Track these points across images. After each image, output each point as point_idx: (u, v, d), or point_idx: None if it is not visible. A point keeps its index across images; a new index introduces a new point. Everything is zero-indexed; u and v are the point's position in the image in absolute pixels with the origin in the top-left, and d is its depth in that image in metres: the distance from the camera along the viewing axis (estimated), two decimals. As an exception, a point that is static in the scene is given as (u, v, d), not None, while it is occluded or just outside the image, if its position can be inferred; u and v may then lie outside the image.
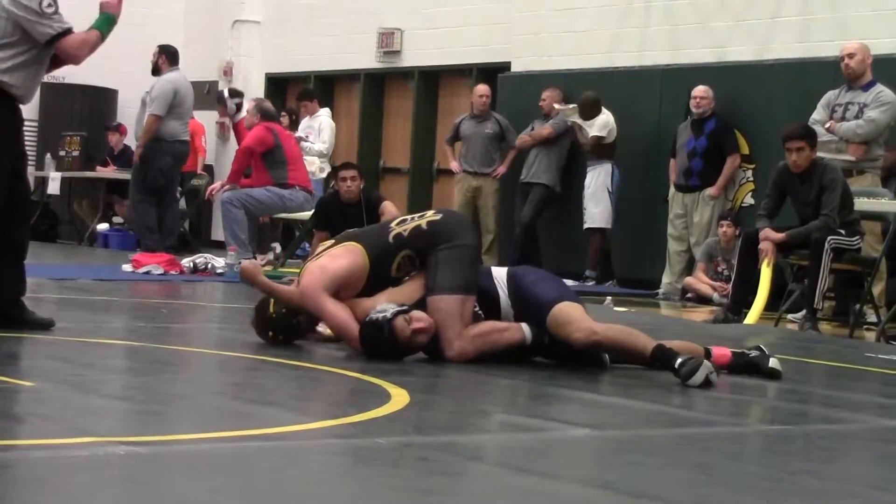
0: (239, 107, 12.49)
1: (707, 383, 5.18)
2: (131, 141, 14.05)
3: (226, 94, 12.84)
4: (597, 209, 11.89)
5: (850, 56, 9.38)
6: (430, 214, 5.74)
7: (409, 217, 5.78)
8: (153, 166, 11.95)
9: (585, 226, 11.99)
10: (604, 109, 11.91)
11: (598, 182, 11.92)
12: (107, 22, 6.19)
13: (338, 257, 5.65)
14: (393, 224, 5.75)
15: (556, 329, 5.43)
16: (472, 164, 12.87)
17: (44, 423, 3.81)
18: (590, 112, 11.94)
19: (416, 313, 5.38)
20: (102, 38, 6.14)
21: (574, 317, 5.43)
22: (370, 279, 5.63)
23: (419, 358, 5.52)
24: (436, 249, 5.57)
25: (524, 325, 5.48)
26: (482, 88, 12.90)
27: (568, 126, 12.34)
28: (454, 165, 13.04)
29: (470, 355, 5.42)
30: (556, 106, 12.24)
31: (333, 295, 5.59)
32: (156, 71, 12.13)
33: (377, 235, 5.75)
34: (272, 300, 5.71)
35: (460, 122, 13.01)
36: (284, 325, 5.70)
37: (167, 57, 12.07)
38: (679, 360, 5.27)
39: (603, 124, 11.88)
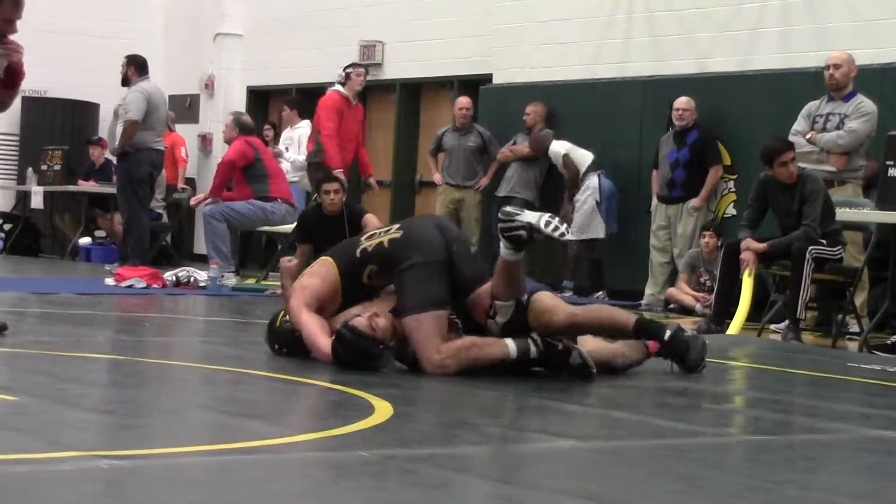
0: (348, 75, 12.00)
1: (582, 369, 5.32)
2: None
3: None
4: (591, 223, 11.89)
5: (836, 67, 9.41)
6: (393, 230, 5.66)
7: (377, 231, 5.76)
8: (133, 178, 11.91)
9: (575, 237, 11.98)
10: (553, 143, 11.94)
11: (586, 196, 11.91)
12: None
13: (313, 274, 5.70)
14: (362, 238, 5.76)
15: (537, 317, 5.47)
16: (455, 177, 12.88)
17: (26, 437, 3.79)
18: (542, 151, 12.04)
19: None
20: None
21: (551, 304, 5.53)
22: (344, 292, 5.63)
23: (402, 370, 5.51)
24: (399, 270, 5.52)
25: (508, 341, 5.45)
26: (464, 101, 12.92)
27: (549, 143, 12.35)
28: (437, 177, 13.06)
29: (451, 369, 5.39)
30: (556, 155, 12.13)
31: (318, 310, 5.59)
32: (125, 82, 12.10)
33: (347, 249, 5.77)
34: (281, 313, 5.72)
35: (443, 134, 13.03)
36: (289, 339, 5.68)
37: (135, 67, 12.05)
38: (668, 332, 5.64)
39: (556, 156, 11.91)
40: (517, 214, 5.30)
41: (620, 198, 11.90)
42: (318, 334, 5.51)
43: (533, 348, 5.43)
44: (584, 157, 11.84)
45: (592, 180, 11.83)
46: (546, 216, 5.30)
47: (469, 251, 5.82)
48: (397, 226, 5.74)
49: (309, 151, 12.07)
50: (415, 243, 5.55)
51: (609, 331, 5.66)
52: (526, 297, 5.52)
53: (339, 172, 11.38)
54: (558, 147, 11.94)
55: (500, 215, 5.38)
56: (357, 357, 5.38)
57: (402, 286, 5.52)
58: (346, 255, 5.69)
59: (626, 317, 5.60)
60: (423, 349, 5.40)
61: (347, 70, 11.82)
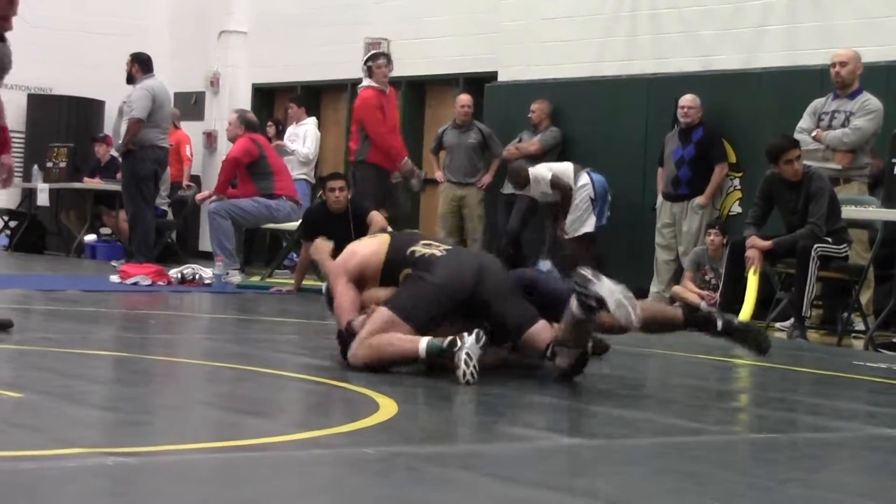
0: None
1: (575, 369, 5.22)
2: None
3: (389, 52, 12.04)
4: (586, 219, 11.89)
5: (842, 64, 9.41)
6: (443, 248, 5.65)
7: (435, 242, 5.71)
8: (138, 175, 11.92)
9: (569, 235, 11.99)
10: (531, 170, 11.85)
11: (580, 197, 11.92)
12: None
13: (368, 245, 5.76)
14: (422, 241, 5.71)
15: (601, 325, 5.59)
16: (457, 175, 12.88)
17: (32, 434, 3.80)
18: (523, 182, 11.92)
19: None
20: None
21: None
22: (383, 275, 5.65)
23: (408, 369, 5.51)
24: (416, 276, 5.54)
25: (423, 340, 5.33)
26: (464, 98, 12.91)
27: (557, 142, 12.35)
28: (438, 175, 13.06)
29: (359, 360, 5.37)
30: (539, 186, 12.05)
31: (357, 281, 5.62)
32: (130, 80, 12.11)
33: (404, 241, 5.75)
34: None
35: (443, 132, 13.02)
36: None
37: (140, 65, 12.05)
38: (720, 323, 5.69)
39: (543, 180, 11.75)
40: (592, 283, 5.16)
41: (617, 193, 11.88)
42: (346, 311, 5.57)
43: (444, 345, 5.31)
44: (566, 168, 11.78)
45: (583, 178, 11.83)
46: (619, 295, 5.14)
47: (510, 294, 5.55)
48: (450, 247, 5.68)
49: (355, 150, 11.87)
50: (444, 267, 5.51)
51: (664, 326, 5.81)
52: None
53: (406, 162, 11.46)
54: (541, 171, 11.76)
55: (576, 279, 5.22)
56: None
57: (403, 286, 5.53)
58: (399, 245, 5.69)
59: (674, 310, 5.91)
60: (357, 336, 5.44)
61: (368, 64, 11.73)
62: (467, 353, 5.15)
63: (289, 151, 13.27)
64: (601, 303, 5.10)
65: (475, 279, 5.48)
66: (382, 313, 5.40)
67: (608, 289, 5.11)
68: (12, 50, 5.83)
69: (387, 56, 11.69)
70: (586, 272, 5.18)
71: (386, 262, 5.64)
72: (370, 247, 5.73)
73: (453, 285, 5.46)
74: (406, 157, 11.62)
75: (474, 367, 5.15)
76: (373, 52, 12.02)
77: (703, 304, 10.44)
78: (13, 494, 2.99)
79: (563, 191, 11.70)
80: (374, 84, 11.49)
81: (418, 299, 5.45)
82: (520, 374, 5.59)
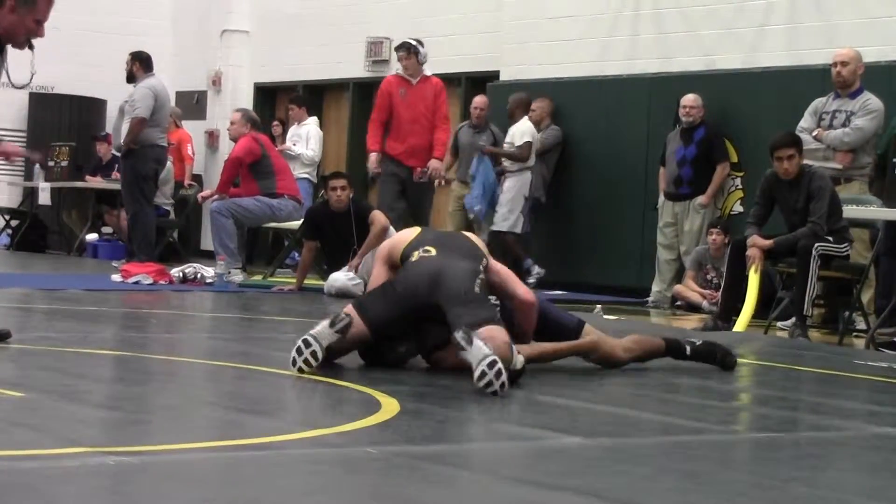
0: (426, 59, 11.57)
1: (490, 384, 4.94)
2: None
3: (413, 42, 11.55)
4: (512, 214, 12.02)
5: (844, 64, 9.41)
6: (433, 251, 5.63)
7: (431, 249, 5.65)
8: (138, 174, 11.92)
9: (493, 228, 12.17)
10: (524, 118, 11.96)
11: (516, 189, 12.06)
12: None
13: (405, 233, 5.86)
14: (425, 245, 5.66)
15: (591, 349, 5.87)
16: (465, 174, 12.88)
17: (33, 433, 3.80)
18: (518, 114, 12.05)
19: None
20: None
21: (603, 339, 5.94)
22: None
23: (409, 367, 5.52)
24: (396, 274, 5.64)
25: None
26: (479, 100, 12.89)
27: (558, 140, 12.38)
28: (448, 175, 13.07)
29: None
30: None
31: (391, 265, 5.70)
32: (130, 78, 12.11)
33: (421, 240, 5.71)
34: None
35: (458, 132, 13.02)
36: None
37: (141, 64, 12.05)
38: (688, 349, 6.09)
39: (520, 133, 12.01)
40: (463, 350, 4.94)
41: (618, 192, 11.89)
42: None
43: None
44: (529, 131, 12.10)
45: (526, 174, 12.05)
46: (485, 366, 4.85)
47: (469, 298, 5.37)
48: (438, 250, 5.62)
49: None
50: (405, 272, 5.57)
51: (651, 356, 6.11)
52: (575, 330, 5.85)
53: (372, 156, 11.25)
54: (525, 125, 12.14)
55: (453, 339, 5.02)
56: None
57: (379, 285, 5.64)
58: (415, 242, 5.73)
59: (659, 341, 6.14)
60: None
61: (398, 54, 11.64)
62: (304, 339, 5.15)
63: (293, 155, 13.27)
64: (470, 365, 4.94)
65: (430, 285, 5.41)
66: (348, 307, 5.49)
67: (476, 357, 4.89)
68: (16, 50, 5.81)
69: (409, 47, 11.38)
70: (461, 336, 4.95)
71: (402, 254, 5.69)
72: (404, 234, 5.84)
73: (406, 291, 5.46)
74: (372, 154, 11.28)
75: (311, 353, 5.14)
76: (402, 41, 11.76)
77: (704, 304, 10.46)
78: (14, 493, 2.99)
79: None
80: (399, 72, 11.42)
81: (377, 299, 5.50)
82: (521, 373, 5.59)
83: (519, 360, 5.18)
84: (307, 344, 5.16)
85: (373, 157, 11.28)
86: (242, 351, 5.79)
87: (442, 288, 5.37)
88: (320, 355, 5.16)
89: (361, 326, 5.39)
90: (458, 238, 5.90)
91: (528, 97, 12.28)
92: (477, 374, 4.86)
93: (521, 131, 12.11)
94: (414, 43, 11.34)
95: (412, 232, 5.84)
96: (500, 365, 4.87)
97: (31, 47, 5.84)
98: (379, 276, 5.71)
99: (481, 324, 5.17)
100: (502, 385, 4.86)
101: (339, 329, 5.22)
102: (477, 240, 5.88)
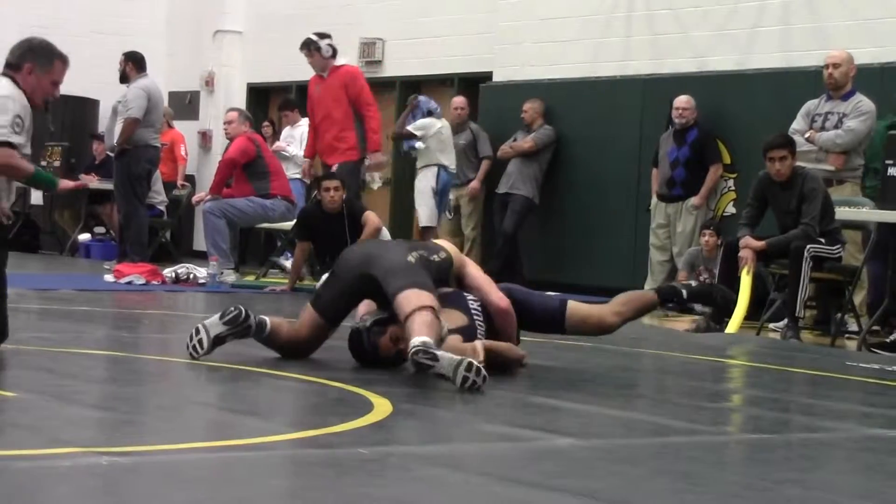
0: (336, 51, 11.43)
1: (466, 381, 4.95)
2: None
3: (314, 38, 11.45)
4: (423, 210, 12.13)
5: (836, 66, 9.42)
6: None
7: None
8: (132, 174, 11.91)
9: (420, 224, 12.43)
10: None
11: (424, 183, 12.28)
12: (47, 180, 5.95)
13: None
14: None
15: (581, 325, 5.91)
16: (454, 177, 12.88)
17: (25, 433, 3.79)
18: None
19: (395, 330, 5.43)
20: (30, 177, 5.88)
21: (590, 309, 5.97)
22: None
23: (403, 368, 5.52)
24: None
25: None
26: (458, 100, 12.91)
27: (551, 140, 12.39)
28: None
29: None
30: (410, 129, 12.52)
31: None
32: (124, 79, 12.09)
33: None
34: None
35: None
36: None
37: (134, 64, 12.03)
38: (685, 292, 6.07)
39: (421, 126, 12.32)
40: (432, 367, 4.96)
41: (612, 193, 11.91)
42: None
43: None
44: (430, 126, 12.33)
45: (433, 168, 12.29)
46: (462, 370, 4.90)
47: (403, 272, 5.39)
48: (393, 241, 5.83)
49: None
50: (352, 248, 5.82)
51: (645, 310, 6.15)
52: (560, 308, 5.88)
53: (303, 164, 11.51)
54: (426, 120, 12.42)
55: (413, 360, 5.00)
56: (363, 362, 5.58)
57: None
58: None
59: (649, 294, 6.14)
60: None
61: None
62: (196, 327, 5.40)
63: (287, 156, 13.28)
64: (445, 377, 4.96)
65: (363, 260, 5.52)
66: (308, 305, 5.72)
67: (450, 366, 4.91)
68: (6, 49, 5.82)
69: (308, 44, 11.31)
70: (422, 357, 4.93)
71: None
72: None
73: (344, 269, 5.62)
74: (303, 161, 11.72)
75: (198, 341, 5.38)
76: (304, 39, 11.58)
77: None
78: (7, 494, 2.98)
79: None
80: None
81: (324, 287, 5.76)
82: (511, 374, 5.60)
83: (445, 330, 5.23)
84: (196, 332, 5.40)
85: (304, 165, 11.68)
86: (235, 351, 5.78)
87: (373, 260, 5.48)
88: (206, 344, 5.37)
89: (315, 316, 5.61)
90: (419, 240, 6.00)
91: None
92: (459, 381, 4.91)
93: (421, 125, 12.42)
94: (314, 38, 11.30)
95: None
96: (475, 364, 4.93)
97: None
98: None
99: (406, 287, 5.24)
100: (484, 378, 4.94)
101: (226, 321, 5.40)
102: (449, 246, 5.83)
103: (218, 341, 5.44)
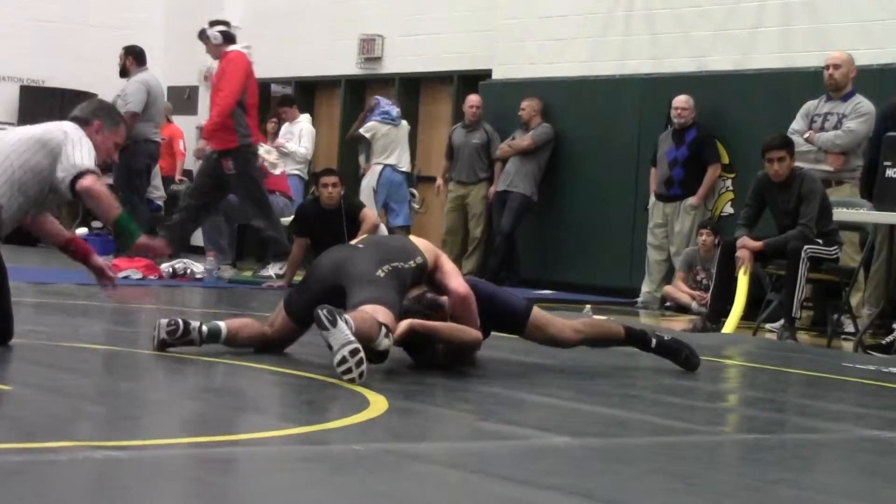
0: (227, 38, 11.29)
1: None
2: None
3: (206, 26, 11.42)
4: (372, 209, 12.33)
5: (836, 67, 9.42)
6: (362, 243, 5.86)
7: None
8: (131, 169, 11.89)
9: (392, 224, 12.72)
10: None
11: (365, 182, 12.73)
12: (130, 230, 5.69)
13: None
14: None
15: (539, 330, 5.83)
16: (461, 174, 12.90)
17: (21, 426, 3.79)
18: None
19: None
20: (117, 222, 5.64)
21: (552, 319, 5.92)
22: None
23: (398, 365, 5.52)
24: None
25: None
26: (473, 99, 12.90)
27: (549, 137, 12.40)
28: (438, 182, 13.13)
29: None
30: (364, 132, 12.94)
31: None
32: (123, 73, 12.07)
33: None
34: None
35: (453, 132, 13.03)
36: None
37: (134, 58, 12.02)
38: (654, 341, 6.05)
39: (368, 129, 12.84)
40: (326, 329, 4.88)
41: (609, 192, 11.92)
42: None
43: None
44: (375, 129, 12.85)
45: (376, 168, 12.74)
46: (346, 352, 4.83)
47: (370, 282, 5.38)
48: (366, 245, 5.73)
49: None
50: (325, 255, 5.77)
51: (607, 342, 6.12)
52: (524, 312, 5.83)
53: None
54: (373, 127, 12.90)
55: (318, 310, 4.94)
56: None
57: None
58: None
59: (617, 328, 6.10)
60: None
61: None
62: (156, 323, 5.51)
63: (286, 152, 13.28)
64: (329, 347, 4.92)
65: (335, 269, 5.52)
66: (280, 303, 5.75)
67: (339, 341, 4.85)
68: (5, 42, 5.83)
69: (201, 34, 11.28)
70: (323, 315, 4.88)
71: None
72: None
73: (316, 277, 5.63)
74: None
75: (152, 338, 5.52)
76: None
77: (694, 305, 10.48)
78: (1, 487, 2.98)
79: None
80: None
81: (296, 292, 5.76)
82: (508, 372, 5.60)
83: (384, 343, 5.11)
84: (154, 327, 5.55)
85: (200, 144, 11.51)
86: (231, 347, 5.78)
87: (343, 271, 5.47)
88: (155, 342, 5.50)
89: (286, 319, 5.66)
90: (398, 240, 5.93)
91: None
92: (337, 358, 4.84)
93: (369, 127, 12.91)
94: (206, 27, 11.24)
95: (363, 236, 6.03)
96: (361, 354, 4.85)
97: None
98: None
99: (364, 302, 5.22)
100: (361, 374, 4.86)
101: (168, 332, 5.50)
102: (425, 245, 5.75)
103: (163, 345, 5.51)
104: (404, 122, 13.12)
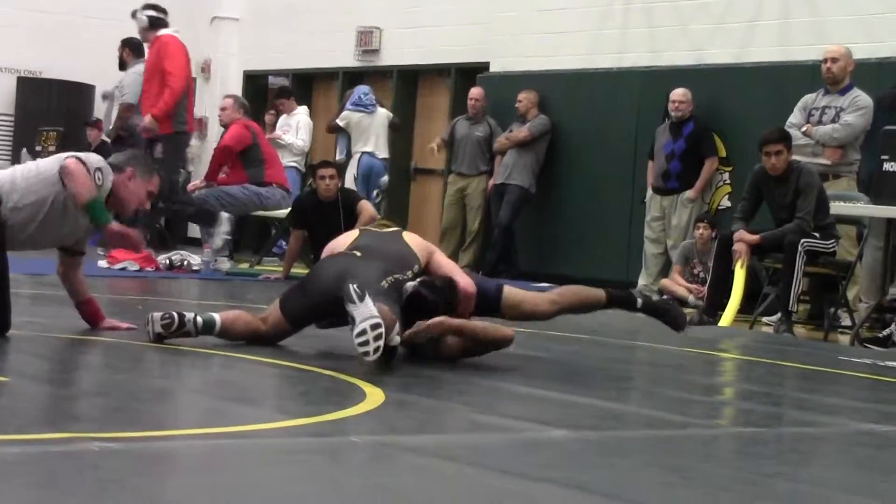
0: (155, 22, 11.01)
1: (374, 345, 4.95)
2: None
3: (137, 9, 11.16)
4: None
5: (834, 60, 9.42)
6: (359, 251, 5.75)
7: (357, 253, 5.75)
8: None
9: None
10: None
11: (347, 173, 12.74)
12: (99, 215, 5.74)
13: (347, 235, 5.99)
14: (358, 249, 5.77)
15: (515, 309, 5.86)
16: (461, 166, 12.89)
17: (17, 418, 3.79)
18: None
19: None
20: (87, 206, 5.67)
21: (525, 295, 5.95)
22: None
23: (396, 358, 5.51)
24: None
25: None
26: (475, 91, 12.89)
27: (546, 129, 12.39)
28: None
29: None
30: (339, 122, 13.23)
31: None
32: (122, 66, 12.05)
33: (364, 240, 5.85)
34: None
35: (455, 123, 13.02)
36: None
37: (131, 49, 11.99)
38: (640, 301, 6.08)
39: (343, 118, 13.10)
40: (353, 303, 4.99)
41: (607, 185, 11.93)
42: None
43: None
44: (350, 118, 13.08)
45: (356, 157, 12.91)
46: (367, 325, 4.90)
47: (376, 294, 5.32)
48: (364, 253, 5.68)
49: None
50: (314, 269, 5.83)
51: (587, 307, 6.07)
52: (496, 292, 5.85)
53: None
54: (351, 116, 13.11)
55: (344, 292, 5.07)
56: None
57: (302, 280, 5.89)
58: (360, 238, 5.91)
59: (597, 292, 6.02)
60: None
61: None
62: (147, 317, 5.58)
63: (284, 144, 13.28)
64: (351, 320, 4.98)
65: (337, 279, 5.43)
66: (276, 300, 5.74)
67: (363, 314, 4.93)
68: (3, 33, 5.87)
69: (132, 15, 11.10)
70: (353, 289, 4.99)
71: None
72: (345, 237, 5.90)
73: (317, 286, 5.58)
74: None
75: (147, 332, 5.54)
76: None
77: (690, 298, 10.48)
78: (-2, 478, 2.98)
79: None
80: None
81: (295, 295, 5.69)
82: (505, 365, 5.60)
83: (395, 340, 5.15)
84: (146, 322, 5.58)
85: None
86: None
87: (346, 282, 5.35)
88: (151, 335, 5.53)
89: (280, 318, 5.66)
90: (395, 244, 5.80)
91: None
92: (357, 329, 4.89)
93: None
94: (136, 9, 11.05)
95: (353, 235, 5.91)
96: (382, 329, 4.90)
97: (136, 214, 6.09)
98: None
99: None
100: (376, 349, 4.89)
101: (163, 325, 5.52)
102: (419, 246, 5.77)
103: (159, 338, 5.54)
104: (381, 110, 13.17)
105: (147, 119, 10.81)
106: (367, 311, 4.92)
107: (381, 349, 4.92)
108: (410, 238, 5.87)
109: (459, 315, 5.60)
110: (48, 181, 5.68)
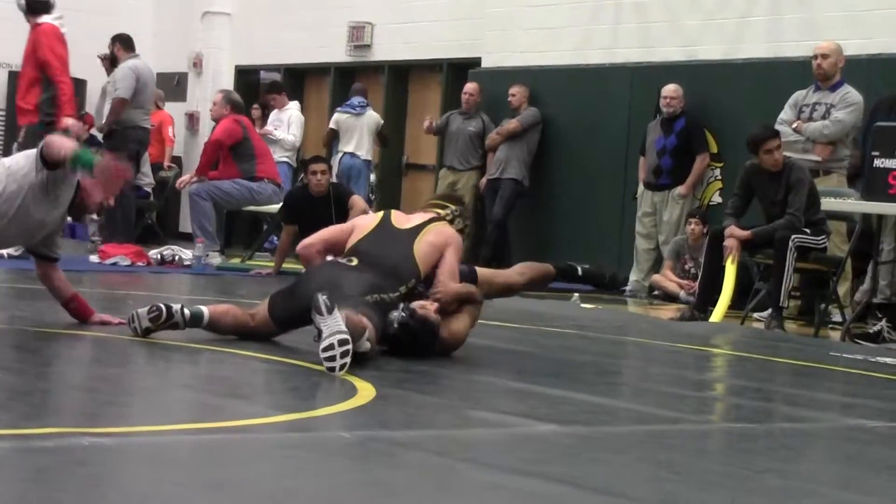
0: (34, 7, 10.58)
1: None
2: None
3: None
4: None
5: (824, 57, 9.42)
6: (355, 259, 5.80)
7: (354, 259, 5.80)
8: (120, 155, 11.82)
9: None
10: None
11: (334, 172, 12.69)
12: (85, 161, 5.55)
13: (365, 222, 6.13)
14: (355, 255, 5.81)
15: (490, 286, 6.18)
16: (453, 161, 12.88)
17: (7, 413, 3.78)
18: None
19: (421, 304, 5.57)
20: (72, 161, 5.54)
21: (495, 272, 6.52)
22: None
23: (386, 353, 5.51)
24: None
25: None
26: (470, 87, 12.88)
27: (537, 120, 12.39)
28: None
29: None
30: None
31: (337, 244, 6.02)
32: (113, 62, 12.04)
33: (364, 241, 5.89)
34: None
35: (449, 117, 13.01)
36: None
37: (122, 44, 11.97)
38: (580, 269, 7.03)
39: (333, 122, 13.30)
40: (320, 315, 4.97)
41: (598, 181, 11.93)
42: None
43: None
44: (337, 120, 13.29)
45: (336, 156, 13.09)
46: (335, 340, 4.88)
47: (354, 303, 5.40)
48: (361, 261, 5.72)
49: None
50: (306, 275, 5.86)
51: (545, 279, 6.64)
52: (470, 272, 6.12)
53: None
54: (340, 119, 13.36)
55: (312, 302, 5.04)
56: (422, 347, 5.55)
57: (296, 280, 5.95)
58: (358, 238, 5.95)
59: (548, 266, 6.67)
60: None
61: None
62: (131, 315, 5.62)
63: (275, 140, 13.28)
64: (319, 333, 4.97)
65: (324, 289, 5.37)
66: (266, 299, 5.80)
67: (331, 328, 4.92)
68: (6, 31, 5.85)
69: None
70: (322, 301, 4.97)
71: (347, 247, 5.90)
72: (364, 222, 6.05)
73: (305, 293, 5.49)
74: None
75: (133, 328, 5.59)
76: None
77: (682, 293, 10.49)
78: (-12, 473, 2.98)
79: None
80: None
81: (284, 298, 5.71)
82: (496, 360, 5.60)
83: (364, 346, 5.16)
84: (131, 319, 5.61)
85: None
86: (219, 334, 5.77)
87: (334, 293, 5.32)
88: (139, 331, 5.57)
89: (268, 319, 5.70)
90: (398, 249, 5.79)
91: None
92: (324, 344, 4.89)
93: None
94: None
95: (368, 227, 5.93)
96: (349, 346, 4.90)
97: (100, 213, 6.05)
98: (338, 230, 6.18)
99: (352, 309, 5.24)
100: (342, 366, 4.88)
101: (150, 318, 5.55)
102: (429, 250, 5.78)
103: (147, 332, 5.57)
104: (370, 112, 13.22)
105: (65, 122, 10.34)
106: (334, 325, 4.92)
107: (348, 365, 4.90)
108: (424, 239, 5.84)
109: (451, 312, 5.68)
110: (16, 175, 5.64)
